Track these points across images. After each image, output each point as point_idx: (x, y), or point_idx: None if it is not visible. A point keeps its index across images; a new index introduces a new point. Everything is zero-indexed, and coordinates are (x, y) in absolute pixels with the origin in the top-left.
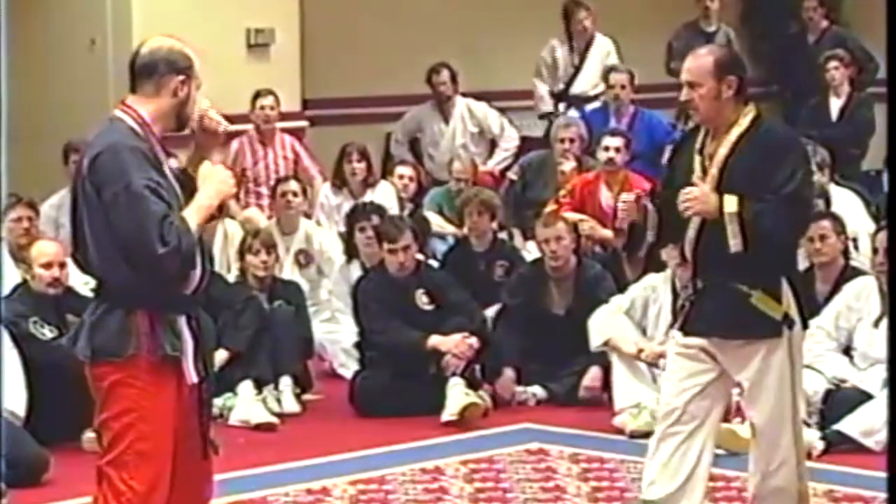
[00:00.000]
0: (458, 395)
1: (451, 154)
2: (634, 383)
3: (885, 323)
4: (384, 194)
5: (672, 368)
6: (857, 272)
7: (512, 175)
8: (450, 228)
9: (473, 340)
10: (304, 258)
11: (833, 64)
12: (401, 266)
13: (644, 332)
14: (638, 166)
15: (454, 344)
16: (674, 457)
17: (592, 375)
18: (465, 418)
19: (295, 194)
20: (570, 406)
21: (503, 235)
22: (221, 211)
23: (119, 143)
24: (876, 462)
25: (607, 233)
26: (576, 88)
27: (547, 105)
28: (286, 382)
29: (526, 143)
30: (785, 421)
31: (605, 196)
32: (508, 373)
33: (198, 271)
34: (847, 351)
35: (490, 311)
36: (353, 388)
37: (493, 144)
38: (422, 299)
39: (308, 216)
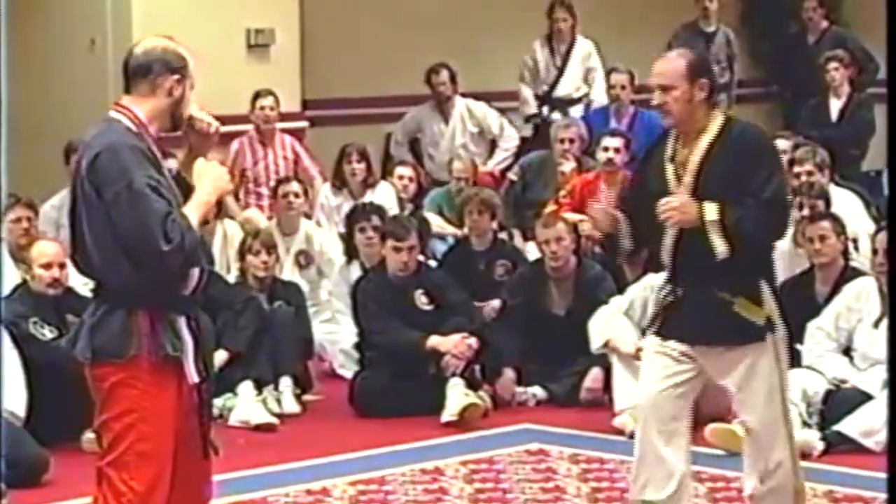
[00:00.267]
0: (457, 396)
1: (450, 154)
2: (634, 384)
3: (885, 323)
4: (384, 195)
5: (650, 368)
6: (858, 273)
7: (512, 175)
8: (450, 229)
9: (473, 341)
10: (305, 259)
11: (833, 65)
12: (404, 266)
13: (643, 332)
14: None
15: (454, 344)
16: (667, 457)
17: (594, 376)
18: (464, 419)
19: (296, 195)
20: (570, 406)
21: (503, 236)
22: (220, 208)
23: (118, 143)
24: (876, 463)
25: None
26: (559, 91)
27: (531, 108)
28: (286, 383)
29: (525, 144)
30: (778, 423)
31: (605, 196)
32: (508, 373)
33: (197, 271)
34: (847, 351)
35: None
36: (353, 388)
37: (492, 145)
38: (421, 300)
39: (308, 217)
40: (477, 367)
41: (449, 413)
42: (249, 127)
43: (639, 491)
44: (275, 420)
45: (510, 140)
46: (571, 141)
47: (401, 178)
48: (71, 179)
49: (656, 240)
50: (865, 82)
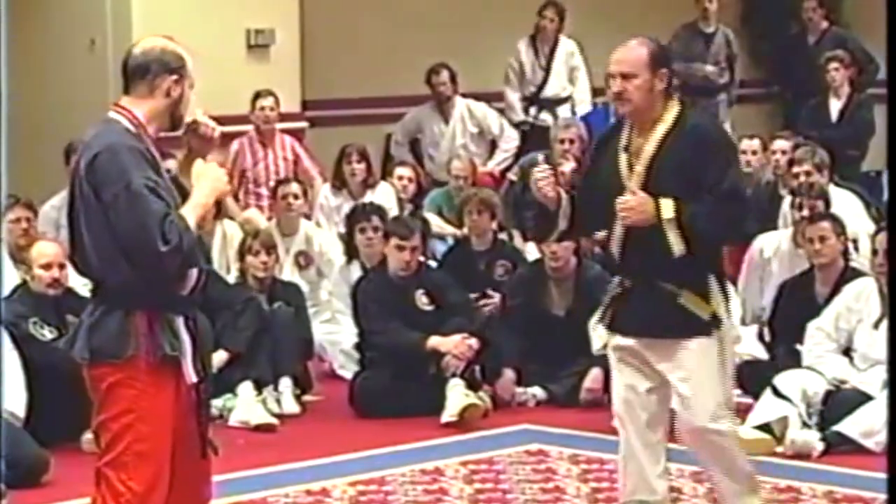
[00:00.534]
0: (457, 396)
1: (451, 155)
2: None
3: (885, 324)
4: (384, 195)
5: (620, 378)
6: (858, 273)
7: (512, 176)
8: (449, 229)
9: (473, 341)
10: (304, 260)
11: (834, 65)
12: (406, 265)
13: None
14: None
15: (454, 345)
16: (657, 461)
17: (594, 377)
18: (464, 419)
19: (296, 196)
20: (570, 407)
21: (503, 236)
22: (220, 209)
23: (117, 144)
24: (876, 463)
25: None
26: (547, 92)
27: (518, 114)
28: (286, 383)
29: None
30: (716, 419)
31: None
32: (508, 374)
33: (195, 271)
34: (847, 352)
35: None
36: (353, 388)
37: (493, 145)
38: (421, 300)
39: (308, 217)
40: (477, 368)
41: (449, 413)
42: (249, 127)
43: (631, 493)
44: (274, 420)
45: (510, 140)
46: (571, 141)
47: (400, 178)
48: (69, 180)
49: (601, 228)
50: (865, 83)
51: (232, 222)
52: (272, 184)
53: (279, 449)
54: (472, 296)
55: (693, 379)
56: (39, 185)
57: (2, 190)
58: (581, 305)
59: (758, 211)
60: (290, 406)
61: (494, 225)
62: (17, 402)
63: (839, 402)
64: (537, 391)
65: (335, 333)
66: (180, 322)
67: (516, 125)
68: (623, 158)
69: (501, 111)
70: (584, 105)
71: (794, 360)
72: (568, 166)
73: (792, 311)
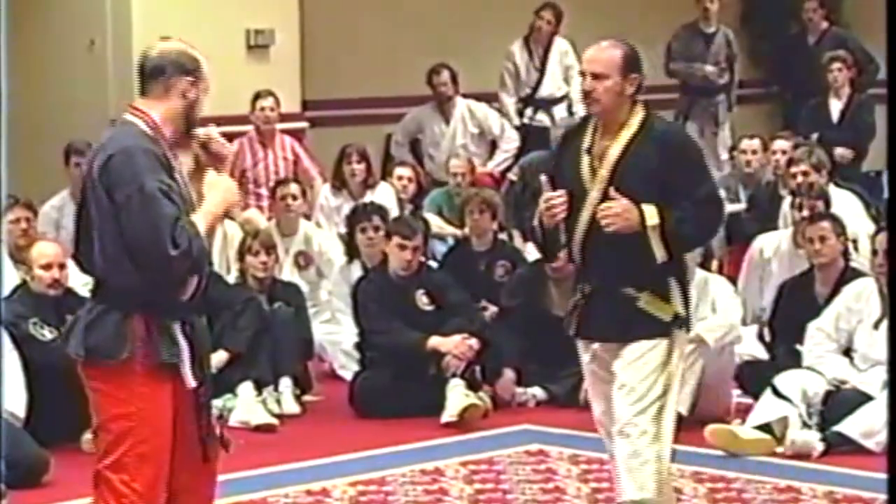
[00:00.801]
0: (458, 397)
1: (451, 155)
2: None
3: (885, 324)
4: (384, 195)
5: (592, 390)
6: (858, 273)
7: (512, 176)
8: (449, 229)
9: (473, 341)
10: (304, 260)
11: (837, 65)
12: (407, 264)
13: None
14: None
15: (454, 345)
16: (646, 463)
17: None
18: (465, 419)
19: (294, 197)
20: (570, 407)
21: (503, 236)
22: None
23: (133, 147)
24: (876, 463)
25: None
26: (542, 92)
27: (513, 119)
28: (286, 384)
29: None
30: (647, 416)
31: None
32: (508, 374)
33: (196, 277)
34: (847, 352)
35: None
36: (353, 389)
37: (493, 145)
38: (422, 300)
39: (308, 217)
40: (477, 368)
41: (449, 414)
42: (249, 128)
43: (630, 492)
44: (275, 421)
45: (511, 141)
46: None
47: (400, 178)
48: (81, 181)
49: (569, 234)
50: (865, 83)
51: (232, 222)
52: (272, 184)
53: (279, 449)
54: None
55: (633, 374)
56: (39, 185)
57: (2, 190)
58: None
59: (758, 211)
60: (291, 406)
61: (495, 225)
62: (17, 402)
63: (839, 402)
64: (537, 391)
65: (335, 333)
66: (177, 328)
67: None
68: (585, 161)
69: (501, 111)
70: (580, 105)
71: (795, 360)
72: None
73: (792, 312)
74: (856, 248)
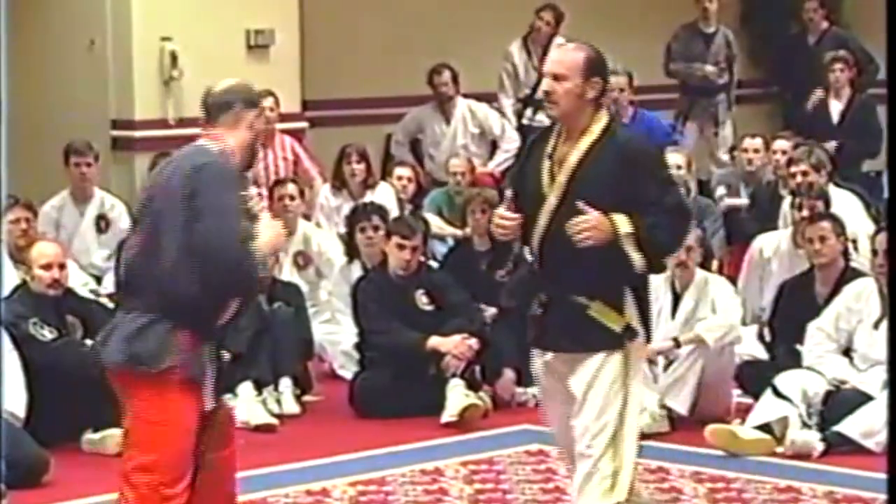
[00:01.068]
0: (457, 397)
1: (451, 155)
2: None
3: (885, 324)
4: (384, 195)
5: (548, 404)
6: (858, 273)
7: None
8: (449, 230)
9: (473, 342)
10: (303, 260)
11: (839, 66)
12: (406, 264)
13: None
14: None
15: (454, 345)
16: (605, 479)
17: None
18: (464, 419)
19: (292, 197)
20: None
21: None
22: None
23: (222, 161)
24: (876, 463)
25: None
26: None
27: (511, 121)
28: (286, 384)
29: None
30: (604, 433)
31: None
32: (508, 374)
33: (237, 302)
34: (847, 352)
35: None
36: (353, 389)
37: (493, 146)
38: (422, 300)
39: (307, 217)
40: (477, 368)
41: (449, 414)
42: None
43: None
44: (275, 421)
45: (511, 141)
46: None
47: (399, 178)
48: (148, 190)
49: (526, 240)
50: (865, 83)
51: None
52: (272, 184)
53: (279, 449)
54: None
55: (590, 389)
56: (39, 185)
57: (2, 190)
58: None
59: (758, 210)
60: (291, 406)
61: None
62: (17, 402)
63: (839, 402)
64: (537, 391)
65: (335, 333)
66: (208, 350)
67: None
68: (546, 166)
69: (501, 112)
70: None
71: (795, 360)
72: None
73: (792, 311)
74: (856, 248)
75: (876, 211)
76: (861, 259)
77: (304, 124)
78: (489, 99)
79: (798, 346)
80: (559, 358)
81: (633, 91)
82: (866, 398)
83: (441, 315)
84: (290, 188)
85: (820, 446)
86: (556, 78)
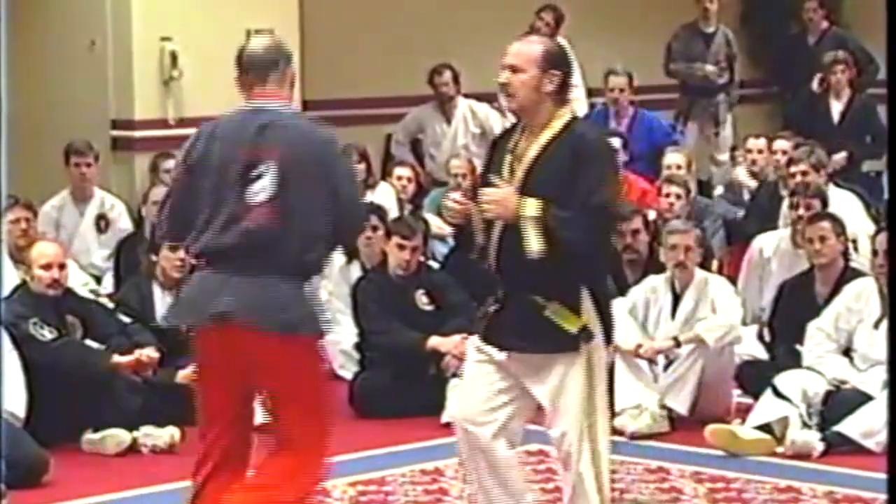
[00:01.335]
0: None
1: (452, 155)
2: (636, 384)
3: (885, 324)
4: (384, 195)
5: (473, 380)
6: (858, 273)
7: None
8: (449, 230)
9: None
10: None
11: (839, 67)
12: (406, 264)
13: (646, 333)
14: (638, 168)
15: (454, 345)
16: (589, 483)
17: None
18: None
19: None
20: None
21: None
22: None
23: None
24: (876, 463)
25: None
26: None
27: (511, 122)
28: None
29: None
30: (581, 440)
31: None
32: None
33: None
34: (847, 352)
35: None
36: (353, 389)
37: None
38: (422, 300)
39: None
40: None
41: (449, 414)
42: None
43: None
44: None
45: None
46: None
47: (399, 178)
48: (279, 161)
49: (486, 236)
50: (865, 83)
51: None
52: None
53: None
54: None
55: (559, 397)
56: (39, 185)
57: (2, 190)
58: None
59: (758, 210)
60: None
61: None
62: (17, 402)
63: (839, 402)
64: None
65: (335, 333)
66: None
67: None
68: (507, 161)
69: (502, 112)
70: (579, 103)
71: (795, 360)
72: None
73: (792, 311)
74: (855, 249)
75: (876, 211)
76: (861, 259)
77: None
78: (489, 99)
79: (798, 347)
80: (514, 358)
81: (633, 91)
82: (866, 398)
83: (441, 315)
84: None
85: (820, 446)
86: (514, 70)
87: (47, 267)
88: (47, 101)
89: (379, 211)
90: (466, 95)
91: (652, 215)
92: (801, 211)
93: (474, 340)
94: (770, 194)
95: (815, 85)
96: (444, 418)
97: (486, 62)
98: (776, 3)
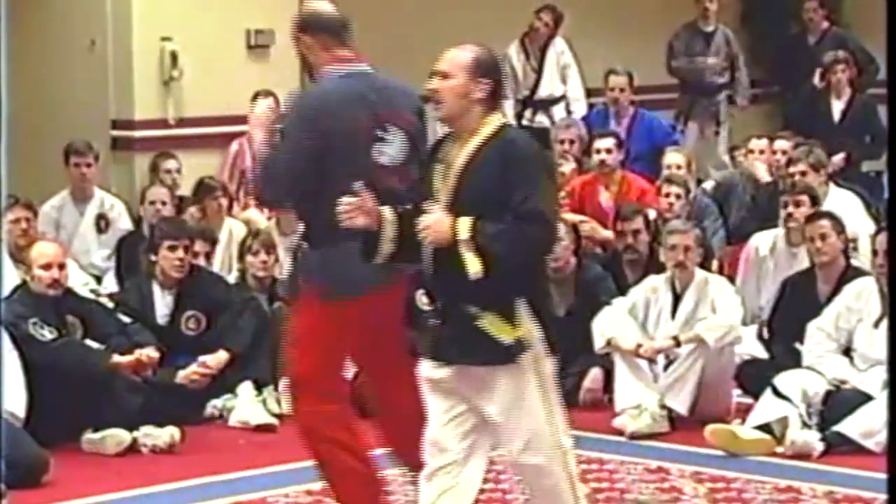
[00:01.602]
0: None
1: None
2: (636, 384)
3: (885, 324)
4: None
5: (430, 407)
6: (859, 272)
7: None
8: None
9: None
10: None
11: (840, 67)
12: None
13: (646, 333)
14: (638, 167)
15: None
16: (561, 482)
17: (593, 377)
18: None
19: None
20: (570, 407)
21: None
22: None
23: None
24: (876, 463)
25: (608, 234)
26: (541, 93)
27: (513, 124)
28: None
29: None
30: (530, 451)
31: (604, 197)
32: None
33: None
34: (847, 352)
35: None
36: (354, 389)
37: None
38: (421, 300)
39: None
40: None
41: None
42: (249, 127)
43: None
44: (275, 421)
45: None
46: (571, 142)
47: None
48: (405, 123)
49: (422, 247)
50: (866, 83)
51: (238, 221)
52: None
53: (279, 449)
54: None
55: (510, 409)
56: (39, 185)
57: (2, 190)
58: (581, 305)
59: (758, 210)
60: None
61: None
62: (17, 402)
63: (839, 402)
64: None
65: None
66: None
67: None
68: (439, 170)
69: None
70: (578, 104)
71: (793, 359)
72: (568, 167)
73: (793, 309)
74: (855, 248)
75: (876, 211)
76: (862, 258)
77: None
78: None
79: (797, 345)
80: (454, 371)
81: (634, 91)
82: (866, 398)
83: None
84: None
85: (820, 446)
86: (443, 76)
87: (47, 267)
88: (47, 101)
89: None
90: None
91: (652, 215)
92: (791, 209)
93: (426, 364)
94: (770, 194)
95: (816, 80)
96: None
97: None
98: (776, 3)
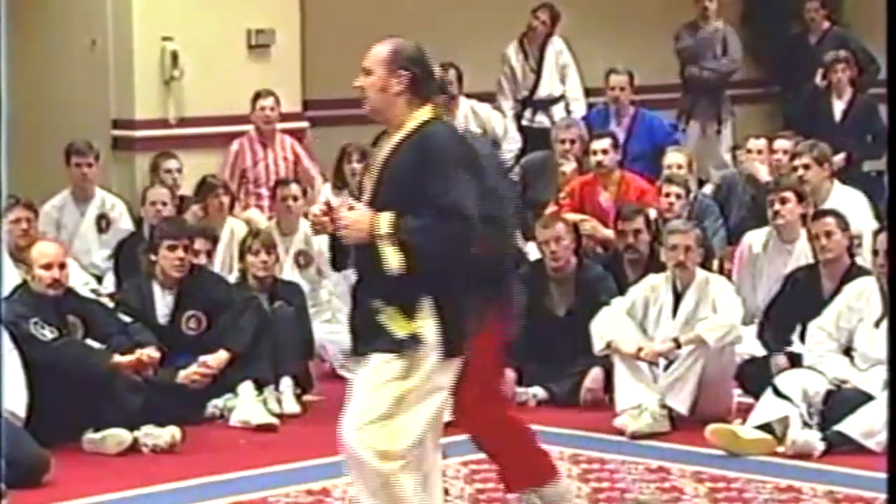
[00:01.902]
0: None
1: None
2: (636, 384)
3: (885, 324)
4: None
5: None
6: (863, 270)
7: (513, 176)
8: None
9: None
10: (304, 259)
11: (841, 66)
12: None
13: (645, 332)
14: (638, 167)
15: None
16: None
17: (593, 377)
18: None
19: (295, 198)
20: (571, 407)
21: None
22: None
23: None
24: (876, 463)
25: (608, 233)
26: (540, 93)
27: (514, 124)
28: (287, 383)
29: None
30: (370, 431)
31: (604, 197)
32: (508, 374)
33: None
34: (848, 351)
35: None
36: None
37: (495, 146)
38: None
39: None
40: None
41: (450, 413)
42: (250, 127)
43: None
44: (275, 420)
45: (513, 142)
46: (572, 142)
47: None
48: None
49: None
50: (867, 83)
51: (239, 221)
52: (272, 184)
53: (280, 449)
54: None
55: (358, 385)
56: (39, 185)
57: (2, 190)
58: (582, 305)
59: (758, 210)
60: (291, 406)
61: None
62: (17, 402)
63: (840, 401)
64: (538, 391)
65: (336, 333)
66: None
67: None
68: (372, 165)
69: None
70: (577, 103)
71: (795, 360)
72: (569, 166)
73: (796, 304)
74: (860, 245)
75: (877, 211)
76: (866, 255)
77: (304, 124)
78: (490, 99)
79: (792, 338)
80: (360, 363)
81: (634, 90)
82: (867, 398)
83: None
84: (294, 189)
85: (820, 446)
86: (366, 72)
87: (48, 267)
88: (47, 101)
89: None
90: (468, 95)
91: (653, 214)
92: (777, 206)
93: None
94: (769, 194)
95: (817, 79)
96: (445, 418)
97: (486, 63)
98: (777, 3)
